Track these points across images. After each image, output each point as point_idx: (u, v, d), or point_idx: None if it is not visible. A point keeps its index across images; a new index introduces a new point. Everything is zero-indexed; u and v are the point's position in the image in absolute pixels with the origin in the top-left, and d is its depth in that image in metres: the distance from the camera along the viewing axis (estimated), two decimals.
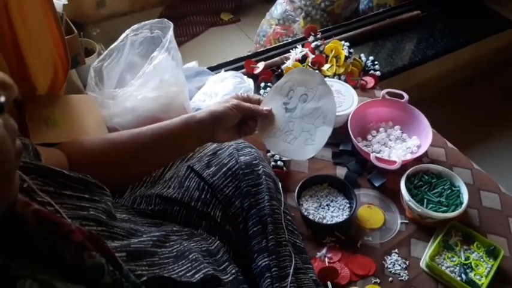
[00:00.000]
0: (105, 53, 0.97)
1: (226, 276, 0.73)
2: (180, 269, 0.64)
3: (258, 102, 0.83)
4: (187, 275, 0.64)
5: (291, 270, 0.81)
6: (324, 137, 0.80)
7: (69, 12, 1.45)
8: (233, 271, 0.75)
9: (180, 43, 2.16)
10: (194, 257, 0.69)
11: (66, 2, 1.32)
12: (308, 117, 0.81)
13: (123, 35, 0.98)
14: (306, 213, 1.01)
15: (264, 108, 0.83)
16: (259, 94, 1.38)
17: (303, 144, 0.80)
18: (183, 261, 0.67)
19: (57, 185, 0.54)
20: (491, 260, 0.96)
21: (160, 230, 0.73)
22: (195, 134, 0.78)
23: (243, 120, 0.81)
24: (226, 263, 0.75)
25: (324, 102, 0.81)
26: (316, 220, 1.00)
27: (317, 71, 0.85)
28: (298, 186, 1.04)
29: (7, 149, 0.38)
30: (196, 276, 0.64)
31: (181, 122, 0.76)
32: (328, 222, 1.00)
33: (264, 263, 0.80)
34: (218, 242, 0.80)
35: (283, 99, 0.83)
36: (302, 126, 0.81)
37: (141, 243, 0.63)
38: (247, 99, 0.82)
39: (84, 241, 0.45)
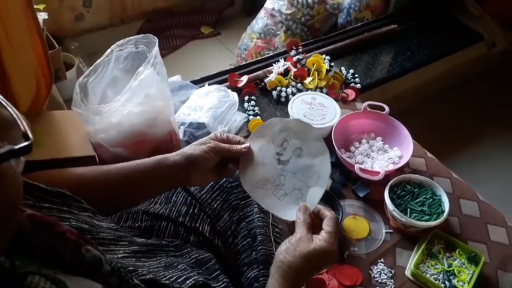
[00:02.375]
0: (90, 68, 0.96)
1: (218, 284, 0.72)
2: (171, 276, 0.64)
3: (238, 143, 0.77)
4: (178, 281, 0.64)
5: None
6: (316, 199, 0.74)
7: (47, 27, 1.43)
8: (225, 279, 0.75)
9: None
10: (183, 267, 0.68)
11: (46, 17, 1.31)
12: (301, 174, 0.76)
13: (108, 50, 0.98)
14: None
15: (243, 146, 0.76)
16: (243, 107, 1.39)
17: (293, 203, 0.74)
18: (172, 270, 0.67)
19: (35, 199, 0.54)
20: (472, 267, 0.99)
21: (147, 244, 0.72)
22: (167, 178, 0.73)
23: (221, 161, 0.75)
24: (218, 272, 0.75)
25: (319, 161, 0.76)
26: (289, 225, 1.01)
27: (313, 126, 0.79)
28: None
29: (20, 186, 0.39)
30: (188, 282, 0.64)
31: (153, 164, 0.72)
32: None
33: (253, 275, 0.80)
34: (209, 253, 0.80)
35: (276, 149, 0.77)
36: (294, 183, 0.76)
37: (125, 259, 0.63)
38: (226, 140, 0.76)
39: (78, 238, 0.47)
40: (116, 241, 0.64)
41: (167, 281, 0.63)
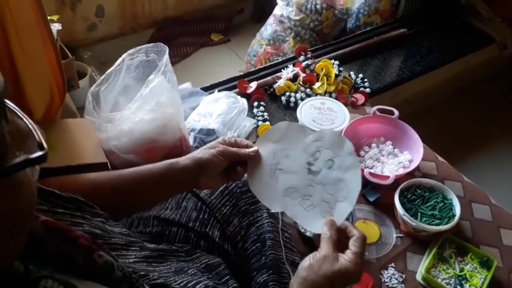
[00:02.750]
0: (102, 77, 0.98)
1: None
2: (181, 281, 0.65)
3: (246, 147, 0.77)
4: (189, 285, 0.64)
5: None
6: (343, 215, 0.71)
7: (61, 37, 1.47)
8: (234, 284, 0.75)
9: (171, 64, 2.19)
10: (193, 272, 0.69)
11: (60, 28, 1.34)
12: (331, 186, 0.73)
13: (120, 59, 1.00)
14: (303, 231, 1.02)
15: (252, 149, 0.76)
16: (253, 113, 1.41)
17: (319, 216, 0.72)
18: (183, 275, 0.68)
19: (50, 204, 0.55)
20: (485, 271, 0.98)
21: (158, 249, 0.74)
22: (177, 182, 0.74)
23: (229, 166, 0.75)
24: (228, 277, 0.76)
25: (350, 176, 0.73)
26: (313, 237, 1.01)
27: (347, 139, 0.76)
28: None
29: (34, 194, 0.40)
30: (198, 287, 0.65)
31: (163, 168, 0.73)
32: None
33: (262, 279, 0.80)
34: (218, 258, 0.81)
35: (308, 158, 0.75)
36: (322, 195, 0.73)
37: (136, 263, 0.64)
38: (235, 144, 0.76)
39: (91, 244, 0.48)
40: (127, 246, 0.65)
41: (178, 286, 0.64)
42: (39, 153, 0.36)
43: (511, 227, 1.09)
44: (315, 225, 0.71)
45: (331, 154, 0.75)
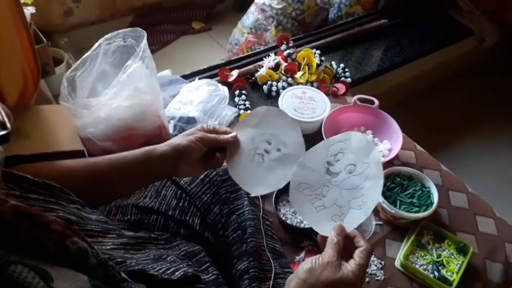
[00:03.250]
0: (78, 62, 0.95)
1: (208, 276, 0.73)
2: (160, 267, 0.64)
3: (224, 133, 0.76)
4: (167, 272, 0.64)
5: (272, 275, 0.82)
6: (355, 223, 0.67)
7: (36, 21, 1.41)
8: (214, 272, 0.75)
9: (151, 52, 2.14)
10: (172, 259, 0.68)
11: (34, 11, 1.30)
12: (347, 192, 0.70)
13: (96, 44, 0.97)
14: (283, 218, 1.02)
15: (230, 135, 0.76)
16: (234, 102, 1.39)
17: (329, 219, 0.69)
18: (161, 262, 0.67)
19: (22, 190, 0.54)
20: (461, 257, 1.00)
21: (136, 236, 0.72)
22: (155, 169, 0.72)
23: (208, 152, 0.75)
24: (208, 264, 0.75)
25: (370, 185, 0.69)
26: (293, 224, 1.01)
27: (376, 147, 0.75)
28: (276, 191, 1.06)
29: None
30: (177, 273, 0.64)
31: (141, 155, 0.71)
32: (306, 226, 1.01)
33: (243, 267, 0.80)
34: (199, 246, 0.80)
35: (328, 157, 0.72)
36: (336, 199, 0.70)
37: (113, 250, 0.62)
38: (213, 131, 0.76)
39: (64, 229, 0.46)
40: (104, 233, 0.63)
41: (156, 273, 0.63)
42: (1, 132, 0.35)
43: (487, 214, 1.12)
44: (322, 227, 0.69)
45: (355, 159, 0.71)
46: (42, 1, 1.88)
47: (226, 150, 0.77)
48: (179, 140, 0.73)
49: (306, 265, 0.62)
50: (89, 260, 0.48)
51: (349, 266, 0.61)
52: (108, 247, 0.62)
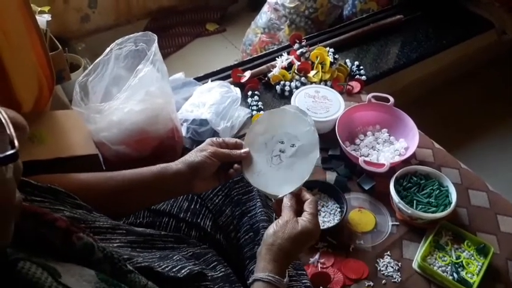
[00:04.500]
0: (90, 67, 0.96)
1: (216, 273, 0.73)
2: (166, 265, 0.64)
3: (234, 146, 0.79)
4: (174, 270, 0.64)
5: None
6: (305, 174, 0.76)
7: (53, 28, 1.44)
8: (223, 269, 0.75)
9: (166, 55, 2.16)
10: (178, 258, 0.69)
11: (50, 18, 1.32)
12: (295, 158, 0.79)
13: (108, 49, 0.98)
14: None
15: (243, 151, 0.78)
16: (247, 102, 1.39)
17: (283, 181, 0.78)
18: (168, 261, 0.67)
19: (25, 194, 0.54)
20: (481, 258, 0.97)
21: (145, 234, 0.72)
22: (169, 187, 0.73)
23: (221, 166, 0.76)
24: (216, 263, 0.75)
25: (302, 137, 0.78)
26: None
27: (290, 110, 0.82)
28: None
29: (11, 190, 0.39)
30: (183, 271, 0.64)
31: (156, 172, 0.72)
32: (320, 228, 1.00)
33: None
34: (206, 246, 0.80)
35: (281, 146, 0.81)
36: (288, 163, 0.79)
37: (120, 248, 0.63)
38: (223, 144, 0.77)
39: (69, 226, 0.47)
40: (112, 229, 0.63)
41: (162, 270, 0.63)
42: (9, 152, 0.35)
43: (509, 213, 1.08)
44: (279, 188, 0.76)
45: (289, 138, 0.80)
46: (59, 8, 1.92)
47: (240, 164, 0.79)
48: (193, 156, 0.74)
49: (269, 231, 0.69)
50: (95, 254, 0.49)
51: (305, 218, 0.70)
52: (115, 245, 0.62)
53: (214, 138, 0.78)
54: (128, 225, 0.69)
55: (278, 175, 0.78)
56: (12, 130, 0.36)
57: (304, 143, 0.79)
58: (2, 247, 0.39)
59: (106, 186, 0.70)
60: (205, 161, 0.73)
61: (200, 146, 0.76)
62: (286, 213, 0.71)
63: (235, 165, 0.78)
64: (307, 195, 0.74)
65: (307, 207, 0.72)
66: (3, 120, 0.36)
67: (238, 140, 0.80)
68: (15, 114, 0.40)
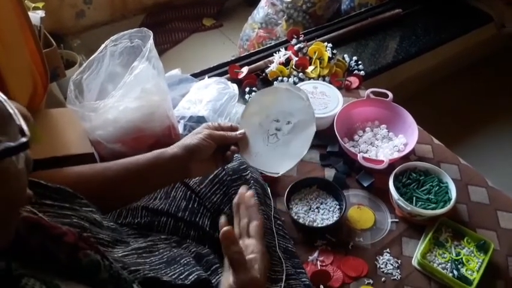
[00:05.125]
0: (84, 65, 0.95)
1: (217, 277, 0.72)
2: (173, 273, 0.64)
3: (230, 129, 0.79)
4: (181, 277, 0.64)
5: (283, 276, 0.81)
6: (305, 148, 0.79)
7: (48, 24, 1.42)
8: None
9: (162, 50, 2.15)
10: (186, 261, 0.69)
11: (43, 15, 1.30)
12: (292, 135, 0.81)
13: (102, 46, 0.96)
14: (296, 217, 1.00)
15: (239, 132, 0.79)
16: (245, 99, 1.38)
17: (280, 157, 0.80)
18: (175, 265, 0.67)
19: (37, 196, 0.54)
20: (481, 255, 0.96)
21: (147, 241, 0.72)
22: (167, 171, 0.73)
23: (217, 150, 0.76)
24: (217, 265, 0.75)
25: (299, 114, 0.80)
26: (306, 223, 0.99)
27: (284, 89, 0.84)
28: (287, 190, 1.04)
29: (23, 181, 0.39)
30: (190, 277, 0.64)
31: (152, 158, 0.72)
32: (319, 225, 0.99)
33: None
34: (208, 249, 0.80)
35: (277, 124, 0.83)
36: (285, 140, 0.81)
37: (125, 257, 0.62)
38: (219, 128, 0.78)
39: (77, 241, 0.47)
40: (113, 244, 0.63)
41: (169, 278, 0.62)
42: (22, 140, 0.35)
43: (509, 209, 1.08)
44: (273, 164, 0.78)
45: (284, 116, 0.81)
46: (54, 4, 1.90)
47: (237, 146, 0.79)
48: (189, 139, 0.74)
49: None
50: (100, 273, 0.48)
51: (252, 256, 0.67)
52: (120, 254, 0.62)
53: (210, 123, 0.79)
54: (126, 234, 0.69)
55: (276, 153, 0.79)
56: (21, 120, 0.37)
57: (300, 119, 0.79)
58: (4, 245, 0.39)
59: (103, 176, 0.70)
60: (201, 143, 0.73)
61: (196, 129, 0.77)
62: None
63: (232, 147, 0.78)
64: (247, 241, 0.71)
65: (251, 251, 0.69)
66: (11, 111, 0.37)
67: (233, 124, 0.81)
68: (18, 105, 0.40)
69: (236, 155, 0.87)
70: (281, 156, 0.78)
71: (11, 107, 0.37)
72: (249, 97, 1.37)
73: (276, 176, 0.80)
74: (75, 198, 0.60)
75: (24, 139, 0.35)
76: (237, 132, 0.79)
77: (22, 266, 0.42)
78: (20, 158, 0.38)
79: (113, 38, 0.97)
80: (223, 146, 0.77)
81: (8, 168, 0.36)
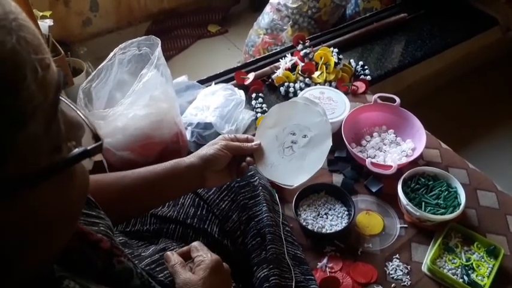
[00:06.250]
0: (94, 73, 0.96)
1: None
2: None
3: (246, 140, 0.80)
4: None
5: (293, 283, 0.80)
6: (319, 162, 0.79)
7: (55, 32, 1.44)
8: (234, 284, 0.75)
9: (168, 57, 2.16)
10: None
11: (52, 23, 1.32)
12: (306, 148, 0.81)
13: (111, 54, 0.97)
14: (304, 223, 1.00)
15: (254, 143, 0.80)
16: (251, 105, 1.38)
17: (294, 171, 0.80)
18: None
19: None
20: (492, 260, 0.96)
21: (157, 251, 0.73)
22: (184, 180, 0.73)
23: (232, 161, 0.77)
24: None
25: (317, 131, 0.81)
26: (315, 230, 0.99)
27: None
28: (295, 196, 1.03)
29: (88, 185, 0.40)
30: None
31: (169, 167, 0.72)
32: (328, 231, 0.99)
33: (263, 274, 0.79)
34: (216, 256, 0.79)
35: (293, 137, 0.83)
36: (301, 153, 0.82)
37: (147, 266, 0.63)
38: (235, 139, 0.79)
39: (112, 248, 0.48)
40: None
41: None
42: (96, 144, 0.36)
43: None
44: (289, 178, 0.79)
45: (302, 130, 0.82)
46: (61, 13, 1.92)
47: (252, 158, 0.80)
48: (205, 150, 0.75)
49: None
50: (133, 280, 0.49)
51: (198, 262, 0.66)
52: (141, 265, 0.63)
53: (226, 135, 0.80)
54: (137, 246, 0.70)
55: (291, 166, 0.79)
56: (93, 125, 0.38)
57: (317, 133, 0.80)
58: (58, 250, 0.39)
59: (120, 185, 0.71)
60: (217, 153, 0.74)
61: (212, 141, 0.78)
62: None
63: (248, 158, 0.78)
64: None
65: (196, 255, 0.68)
66: (83, 117, 0.38)
67: (249, 136, 0.81)
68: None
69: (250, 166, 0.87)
70: (296, 169, 0.79)
71: (83, 114, 0.38)
72: (256, 103, 1.38)
73: (290, 188, 0.79)
74: (96, 207, 0.60)
75: (99, 142, 0.37)
76: (253, 143, 0.79)
77: (62, 269, 0.42)
78: (90, 163, 0.39)
79: (121, 46, 0.98)
80: (239, 157, 0.78)
81: (79, 172, 0.37)
